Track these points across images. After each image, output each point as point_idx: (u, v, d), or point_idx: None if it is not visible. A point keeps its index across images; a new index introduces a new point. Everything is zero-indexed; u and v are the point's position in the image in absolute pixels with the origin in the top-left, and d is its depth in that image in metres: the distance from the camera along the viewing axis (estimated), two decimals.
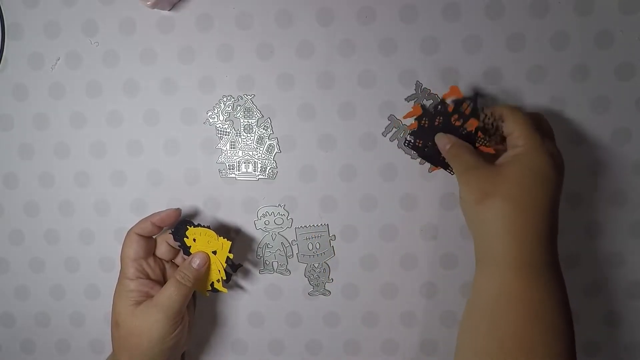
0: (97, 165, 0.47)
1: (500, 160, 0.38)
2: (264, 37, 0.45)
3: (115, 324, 0.41)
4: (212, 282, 0.43)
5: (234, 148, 0.46)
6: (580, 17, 0.42)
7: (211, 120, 0.46)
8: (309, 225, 0.46)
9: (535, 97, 0.43)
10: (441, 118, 0.41)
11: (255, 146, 0.46)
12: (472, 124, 0.40)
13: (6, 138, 0.48)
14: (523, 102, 0.43)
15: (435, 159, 0.42)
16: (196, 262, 0.42)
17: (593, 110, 0.43)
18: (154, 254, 0.43)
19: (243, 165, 0.46)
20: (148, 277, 0.42)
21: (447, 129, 0.41)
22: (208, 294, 0.44)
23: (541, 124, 0.39)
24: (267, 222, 0.46)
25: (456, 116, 0.40)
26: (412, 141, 0.42)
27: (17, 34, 0.46)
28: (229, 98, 0.45)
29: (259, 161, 0.46)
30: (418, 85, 0.43)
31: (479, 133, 0.40)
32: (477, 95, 0.42)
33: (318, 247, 0.46)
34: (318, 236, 0.46)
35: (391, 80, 0.44)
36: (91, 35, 0.46)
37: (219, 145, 0.46)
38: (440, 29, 0.43)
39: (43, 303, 0.49)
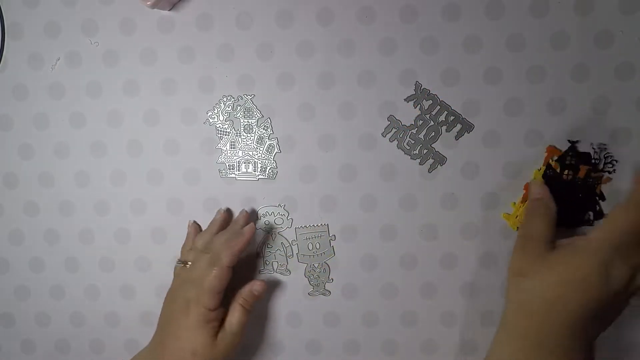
0: (97, 165, 0.47)
1: (568, 242, 0.37)
2: (264, 37, 0.45)
3: (191, 354, 0.40)
4: None
5: (234, 148, 0.46)
6: (580, 17, 0.42)
7: (211, 120, 0.46)
8: (309, 225, 0.46)
9: (535, 97, 0.43)
10: (553, 181, 0.42)
11: (255, 146, 0.46)
12: (582, 170, 0.42)
13: (6, 138, 0.48)
14: (522, 101, 0.43)
15: (565, 221, 0.42)
16: (257, 289, 0.43)
17: (593, 110, 0.43)
18: None
19: (243, 165, 0.46)
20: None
21: (565, 190, 0.42)
22: None
23: None
24: (267, 222, 0.46)
25: (566, 172, 0.42)
26: None
27: (17, 34, 0.46)
28: (229, 98, 0.45)
29: (259, 161, 0.46)
30: (418, 85, 0.43)
31: (592, 174, 0.41)
32: (573, 143, 0.43)
33: (318, 247, 0.46)
34: (318, 236, 0.46)
35: (391, 80, 0.44)
36: (91, 35, 0.46)
37: (219, 145, 0.46)
38: (440, 29, 0.43)
39: (43, 303, 0.49)
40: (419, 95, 0.44)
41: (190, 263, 0.43)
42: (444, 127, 0.44)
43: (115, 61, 0.46)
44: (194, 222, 0.46)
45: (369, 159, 0.45)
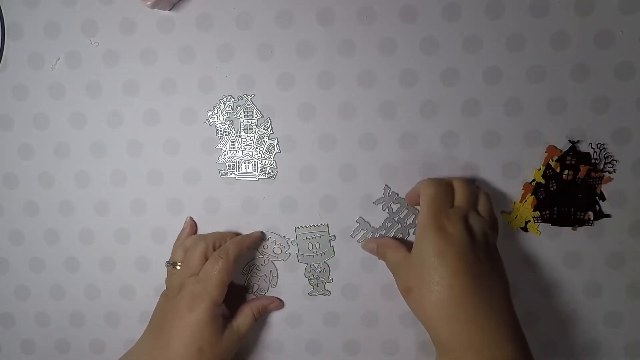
0: (97, 165, 0.47)
1: (414, 244, 0.39)
2: (264, 37, 0.45)
3: (198, 350, 0.39)
4: None
5: (234, 148, 0.46)
6: (580, 17, 0.42)
7: (211, 120, 0.46)
8: (309, 225, 0.46)
9: (535, 97, 0.43)
10: (553, 181, 0.42)
11: (255, 146, 0.46)
12: (582, 170, 0.42)
13: (6, 138, 0.48)
14: (522, 101, 0.43)
15: (565, 221, 0.44)
16: (272, 308, 0.46)
17: (593, 110, 0.43)
18: None
19: (243, 165, 0.46)
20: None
21: (565, 190, 0.43)
22: None
23: (458, 191, 0.40)
24: (266, 247, 0.46)
25: (566, 172, 0.42)
26: (540, 217, 0.44)
27: (17, 34, 0.46)
28: (229, 98, 0.45)
29: (259, 161, 0.46)
30: (386, 189, 0.44)
31: (592, 174, 0.42)
32: (573, 143, 0.43)
33: (318, 247, 0.46)
34: (318, 236, 0.46)
35: (391, 80, 0.44)
36: (91, 35, 0.46)
37: (219, 145, 0.46)
38: (440, 29, 0.43)
39: (43, 303, 0.49)
40: (388, 198, 0.44)
41: (180, 264, 0.43)
42: (411, 230, 0.45)
43: (115, 61, 0.46)
44: (191, 218, 0.46)
45: (369, 158, 0.45)
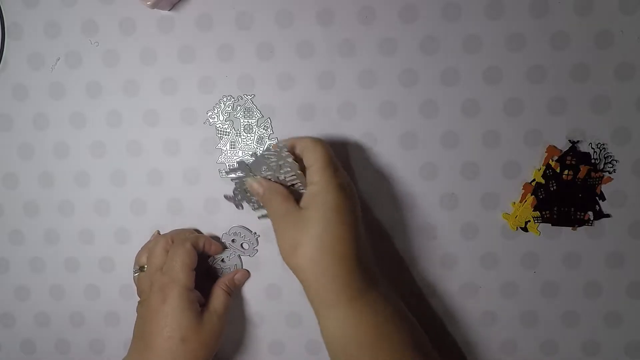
0: (97, 165, 0.47)
1: (304, 199, 0.38)
2: (264, 37, 0.45)
3: (181, 340, 0.39)
4: None
5: (234, 148, 0.46)
6: (580, 17, 0.42)
7: (211, 121, 0.46)
8: None
9: (535, 97, 0.43)
10: (553, 181, 0.42)
11: (256, 146, 0.46)
12: (582, 170, 0.42)
13: (6, 138, 0.48)
14: (523, 101, 0.43)
15: (565, 221, 0.44)
16: (239, 279, 0.45)
17: (593, 110, 0.43)
18: None
19: None
20: None
21: (565, 190, 0.43)
22: None
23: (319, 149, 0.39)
24: (234, 241, 0.46)
25: (566, 172, 0.42)
26: (540, 217, 0.44)
27: (17, 34, 0.46)
28: (228, 98, 0.45)
29: None
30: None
31: (592, 174, 0.42)
32: (573, 143, 0.43)
33: None
34: None
35: (391, 80, 0.44)
36: (91, 35, 0.46)
37: (219, 145, 0.46)
38: (440, 29, 0.43)
39: (43, 303, 0.49)
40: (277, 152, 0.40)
41: (145, 266, 0.43)
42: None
43: (115, 61, 0.46)
44: (158, 231, 0.47)
45: (369, 158, 0.45)
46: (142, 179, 0.47)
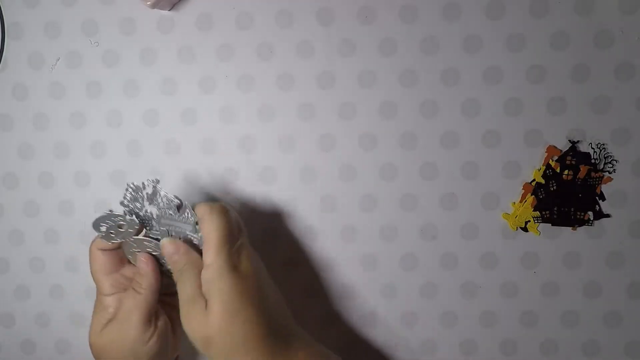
0: (97, 165, 0.47)
1: (203, 286, 0.36)
2: (264, 37, 0.45)
3: (89, 345, 0.39)
4: None
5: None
6: (580, 17, 0.42)
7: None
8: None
9: (535, 97, 0.43)
10: (553, 181, 0.42)
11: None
12: (582, 170, 0.42)
13: (6, 138, 0.48)
14: (522, 101, 0.43)
15: (565, 221, 0.43)
16: (142, 267, 0.39)
17: (593, 110, 0.43)
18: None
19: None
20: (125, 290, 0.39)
21: (565, 190, 0.43)
22: None
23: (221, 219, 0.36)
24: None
25: (566, 172, 0.42)
26: (540, 217, 0.44)
27: (17, 34, 0.46)
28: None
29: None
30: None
31: (592, 174, 0.42)
32: (573, 143, 0.43)
33: None
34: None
35: (391, 80, 0.44)
36: (91, 35, 0.46)
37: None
38: (440, 29, 0.43)
39: (43, 303, 0.49)
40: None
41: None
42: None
43: (115, 61, 0.46)
44: None
45: (369, 158, 0.45)
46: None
